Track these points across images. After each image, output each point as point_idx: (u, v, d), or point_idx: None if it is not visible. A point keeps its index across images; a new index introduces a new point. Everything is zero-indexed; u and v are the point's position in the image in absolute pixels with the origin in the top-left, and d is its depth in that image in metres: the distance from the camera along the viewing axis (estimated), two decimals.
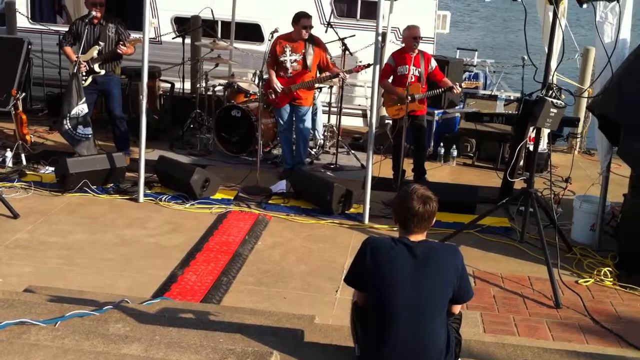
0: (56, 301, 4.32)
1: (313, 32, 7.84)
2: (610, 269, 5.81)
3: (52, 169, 7.40)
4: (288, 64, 7.69)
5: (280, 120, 7.94)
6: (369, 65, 7.52)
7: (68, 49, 7.90)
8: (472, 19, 34.94)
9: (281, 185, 7.47)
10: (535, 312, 5.14)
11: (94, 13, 7.71)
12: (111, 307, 4.14)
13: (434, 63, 7.78)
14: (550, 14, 6.15)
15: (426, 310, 3.26)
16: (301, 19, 7.62)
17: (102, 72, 7.84)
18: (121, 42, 7.69)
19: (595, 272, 5.79)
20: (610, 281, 5.67)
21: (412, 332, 3.24)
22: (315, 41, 7.76)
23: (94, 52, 7.75)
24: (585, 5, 5.69)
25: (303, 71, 7.71)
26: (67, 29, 8.23)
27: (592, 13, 6.00)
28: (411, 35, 7.51)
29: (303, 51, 7.67)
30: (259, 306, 4.88)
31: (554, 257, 5.68)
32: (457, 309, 3.50)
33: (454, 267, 3.32)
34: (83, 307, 4.12)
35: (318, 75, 7.83)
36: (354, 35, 8.80)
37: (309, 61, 7.67)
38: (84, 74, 7.67)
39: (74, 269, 5.40)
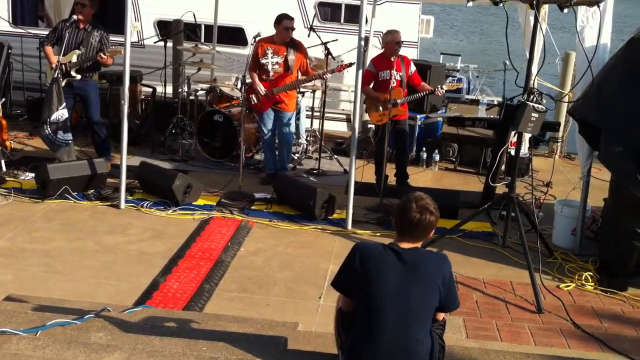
0: (37, 310, 4.28)
1: (296, 36, 7.84)
2: (591, 274, 5.84)
3: (32, 175, 7.32)
4: (270, 67, 7.68)
5: (263, 127, 7.91)
6: (350, 65, 7.54)
7: (49, 49, 7.83)
8: (455, 24, 35.10)
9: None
10: (518, 317, 5.16)
11: (75, 16, 7.66)
12: (92, 315, 4.11)
13: (413, 67, 7.81)
14: (532, 19, 6.20)
15: (412, 317, 3.26)
16: (283, 20, 7.62)
17: (78, 77, 7.77)
18: (102, 51, 7.62)
19: (576, 277, 5.82)
20: (591, 285, 5.70)
21: (397, 338, 3.24)
22: (297, 45, 7.76)
23: (73, 56, 7.69)
24: (566, 10, 5.73)
25: (285, 74, 7.70)
26: (49, 31, 8.17)
27: (573, 17, 6.04)
28: (394, 40, 7.52)
29: (285, 54, 7.66)
30: (242, 313, 4.85)
31: (536, 262, 5.70)
32: (441, 315, 3.51)
33: (442, 276, 3.32)
34: (64, 316, 4.08)
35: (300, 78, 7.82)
36: (337, 40, 8.81)
37: (291, 63, 7.66)
38: (60, 76, 7.60)
39: (54, 277, 5.35)
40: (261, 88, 7.67)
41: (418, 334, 3.28)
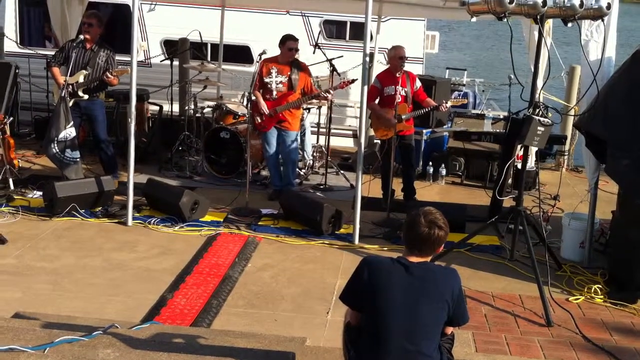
0: (45, 327, 4.29)
1: (302, 53, 7.89)
2: (601, 286, 5.81)
3: (40, 193, 7.35)
4: (273, 85, 7.72)
5: (267, 145, 7.94)
6: (353, 81, 7.60)
7: (56, 70, 7.89)
8: (461, 39, 35.22)
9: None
10: (527, 330, 5.13)
11: (82, 36, 7.73)
12: (100, 332, 4.11)
13: (418, 83, 7.83)
14: (536, 33, 6.22)
15: (420, 331, 3.25)
16: (287, 41, 7.68)
17: (85, 97, 7.83)
18: (109, 71, 7.68)
19: (585, 290, 5.79)
20: (600, 298, 5.67)
21: (405, 353, 3.23)
22: (301, 66, 7.81)
23: (80, 76, 7.75)
24: (570, 24, 5.74)
25: (288, 92, 7.74)
26: (56, 51, 8.24)
27: (577, 31, 6.06)
28: (397, 56, 7.54)
29: (289, 73, 7.70)
30: (250, 329, 4.85)
31: (544, 275, 5.68)
32: (449, 329, 3.49)
33: (451, 291, 3.31)
34: (72, 333, 4.09)
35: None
36: (342, 56, 8.87)
37: (295, 83, 7.71)
38: (67, 96, 7.66)
39: (62, 294, 5.36)
40: (265, 108, 7.70)
41: (427, 348, 3.26)
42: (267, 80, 7.73)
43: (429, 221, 3.33)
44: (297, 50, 7.77)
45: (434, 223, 3.33)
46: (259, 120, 7.79)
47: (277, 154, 8.02)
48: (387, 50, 8.00)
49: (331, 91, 7.74)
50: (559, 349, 4.87)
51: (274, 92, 7.75)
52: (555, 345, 4.92)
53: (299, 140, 8.16)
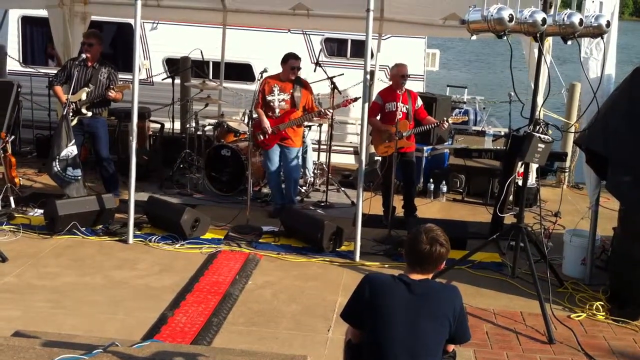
0: (45, 345, 4.27)
1: (303, 70, 7.92)
2: (602, 303, 5.80)
3: (41, 211, 7.35)
4: (276, 103, 7.75)
5: (268, 162, 7.95)
6: (356, 99, 7.64)
7: (58, 89, 7.94)
8: (461, 57, 35.36)
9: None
10: (529, 347, 5.11)
11: (84, 55, 7.77)
12: (101, 350, 4.09)
13: (419, 102, 7.86)
14: (536, 51, 6.24)
15: (421, 349, 3.23)
16: (289, 60, 7.71)
17: (89, 114, 7.86)
18: (111, 88, 7.72)
19: (587, 307, 5.77)
20: (602, 315, 5.66)
21: None
22: (302, 84, 7.85)
23: (83, 94, 7.79)
24: (569, 42, 5.76)
25: (291, 110, 7.77)
26: (58, 70, 8.29)
27: (577, 49, 6.08)
28: (399, 74, 7.58)
29: (291, 91, 7.74)
30: (251, 347, 4.83)
31: (546, 292, 5.67)
32: (451, 347, 3.47)
33: (452, 308, 3.29)
34: (72, 351, 4.07)
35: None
36: (342, 74, 8.90)
37: (297, 100, 7.74)
38: (71, 114, 7.69)
39: (62, 312, 5.35)
40: (268, 126, 7.72)
41: None
42: (269, 98, 7.76)
43: (430, 238, 3.32)
44: (299, 68, 7.81)
45: (436, 240, 3.33)
46: (262, 138, 7.81)
47: (279, 171, 8.03)
48: (388, 68, 8.04)
49: (331, 110, 7.76)
50: None
51: (277, 110, 7.77)
52: None
53: (300, 156, 8.16)
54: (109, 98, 7.78)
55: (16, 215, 7.44)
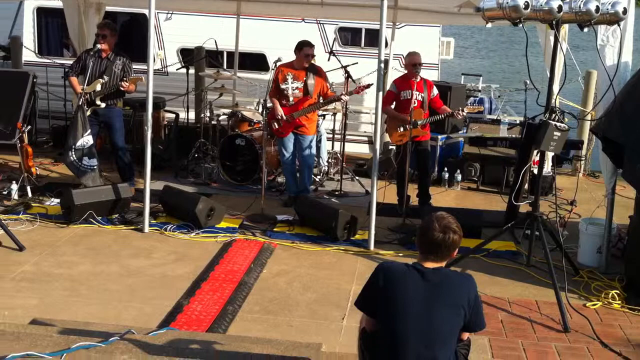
0: (62, 333, 4.32)
1: (317, 60, 7.91)
2: (618, 292, 5.77)
3: (58, 200, 7.41)
4: (290, 91, 7.73)
5: (284, 150, 7.95)
6: (369, 86, 7.61)
7: (74, 80, 7.99)
8: (476, 45, 35.15)
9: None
10: (544, 336, 5.10)
11: (98, 46, 7.80)
12: (117, 338, 4.13)
13: (435, 91, 7.83)
14: (552, 38, 6.20)
15: (436, 337, 3.23)
16: (303, 48, 7.70)
17: (103, 105, 7.89)
18: (124, 79, 7.75)
19: (602, 295, 5.75)
20: (618, 304, 5.63)
21: (421, 358, 3.21)
22: (316, 70, 7.83)
23: (97, 85, 7.83)
24: (586, 29, 5.71)
25: (305, 98, 7.75)
26: (73, 61, 8.34)
27: (594, 36, 6.03)
28: (410, 62, 7.56)
29: (305, 79, 7.72)
30: (266, 335, 4.85)
31: (561, 281, 5.64)
32: (466, 335, 3.47)
33: (467, 297, 3.29)
34: (89, 339, 4.12)
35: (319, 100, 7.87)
36: (357, 63, 8.89)
37: (310, 88, 7.72)
38: (85, 104, 7.73)
39: (79, 301, 5.39)
40: (282, 113, 7.72)
41: (442, 354, 3.24)
42: (283, 86, 7.75)
43: (443, 226, 3.32)
44: (313, 56, 7.79)
45: (448, 227, 3.33)
46: (277, 126, 7.81)
47: (294, 159, 8.03)
48: (402, 57, 8.01)
49: (346, 95, 7.73)
50: (577, 355, 4.83)
51: (291, 98, 7.76)
52: (573, 351, 4.88)
53: (314, 145, 8.16)
54: (122, 89, 7.81)
55: (33, 204, 7.50)
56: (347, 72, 8.29)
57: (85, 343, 4.01)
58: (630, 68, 6.28)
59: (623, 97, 5.88)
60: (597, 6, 5.48)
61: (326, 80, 7.93)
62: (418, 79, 7.53)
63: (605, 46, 6.21)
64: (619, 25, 5.82)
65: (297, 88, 7.75)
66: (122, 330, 4.29)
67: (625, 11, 5.65)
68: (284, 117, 7.70)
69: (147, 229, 6.92)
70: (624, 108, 5.81)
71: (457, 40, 17.87)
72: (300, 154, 7.95)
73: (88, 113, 7.78)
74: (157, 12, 11.22)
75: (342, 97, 7.73)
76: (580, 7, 5.50)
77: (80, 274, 5.90)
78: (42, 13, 12.07)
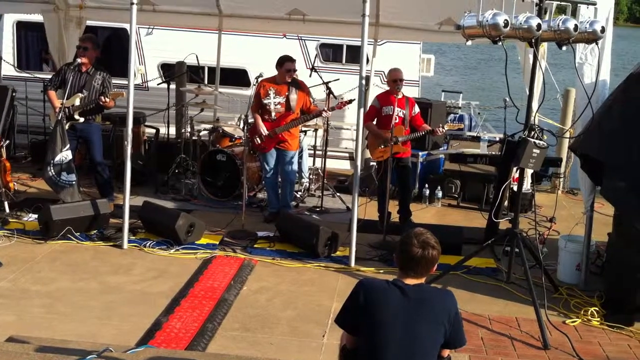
0: (39, 351, 4.26)
1: (299, 75, 7.92)
2: (597, 309, 5.79)
3: (35, 216, 7.34)
4: (272, 107, 7.73)
5: (266, 165, 7.94)
6: (350, 102, 7.65)
7: (52, 93, 7.91)
8: (456, 62, 35.43)
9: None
10: (524, 353, 5.11)
11: (79, 60, 7.76)
12: (95, 356, 4.09)
13: (417, 109, 7.88)
14: (531, 57, 6.26)
15: (417, 354, 3.23)
16: (285, 63, 7.71)
17: (81, 119, 7.83)
18: (104, 94, 7.69)
19: (582, 312, 5.77)
20: (597, 321, 5.66)
21: None
22: (299, 85, 7.84)
23: (76, 99, 7.76)
24: (564, 48, 5.78)
25: (287, 113, 7.75)
26: (53, 74, 8.28)
27: (572, 55, 6.10)
28: (391, 78, 7.62)
29: (287, 93, 7.73)
30: (245, 353, 4.81)
31: (541, 298, 5.66)
32: (446, 352, 3.46)
33: (447, 313, 3.29)
34: (66, 357, 4.07)
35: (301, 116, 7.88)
36: (338, 79, 8.91)
37: (293, 103, 7.72)
38: (63, 118, 7.67)
39: (57, 318, 5.33)
40: (264, 130, 7.71)
41: None
42: (265, 101, 7.74)
43: (421, 242, 3.33)
44: (295, 70, 7.80)
45: (427, 243, 3.33)
46: (259, 142, 7.79)
47: (276, 175, 8.02)
48: (383, 73, 8.06)
49: (328, 110, 7.74)
50: None
51: (273, 113, 7.76)
52: None
53: (296, 160, 8.16)
54: (101, 105, 7.75)
55: (10, 220, 7.41)
56: (328, 88, 8.31)
57: None
58: (609, 86, 6.36)
59: (601, 115, 5.94)
60: (576, 25, 5.55)
61: (309, 95, 7.94)
62: (400, 96, 7.57)
63: (584, 64, 6.29)
64: (597, 43, 5.90)
65: (279, 103, 7.75)
66: (100, 348, 4.24)
67: (603, 30, 5.73)
68: (267, 133, 7.70)
69: (126, 245, 6.86)
70: (602, 126, 5.87)
71: (437, 57, 18.01)
72: (282, 169, 7.95)
73: (66, 127, 7.71)
74: (139, 27, 11.20)
75: (324, 113, 7.74)
76: (559, 25, 5.57)
77: (58, 291, 5.83)
78: (22, 27, 12.02)
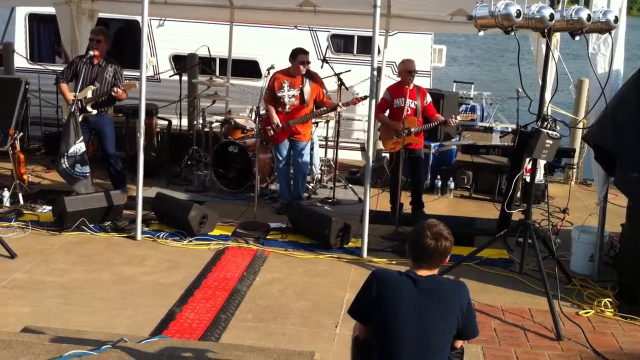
0: (54, 341, 4.28)
1: (310, 67, 7.91)
2: (611, 300, 5.78)
3: (50, 208, 7.38)
4: (286, 99, 7.74)
5: (279, 156, 7.95)
6: (365, 98, 7.61)
7: (64, 86, 7.95)
8: (468, 53, 35.26)
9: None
10: (537, 344, 5.10)
11: (91, 52, 7.79)
12: (109, 346, 4.11)
13: (429, 98, 7.85)
14: (543, 47, 6.22)
15: (429, 345, 3.23)
16: (298, 55, 7.70)
17: (94, 112, 7.87)
18: (117, 85, 7.72)
19: (595, 303, 5.76)
20: (610, 312, 5.64)
21: None
22: (312, 76, 7.84)
23: (88, 91, 7.80)
24: (577, 38, 5.74)
25: (300, 106, 7.76)
26: (65, 67, 8.31)
27: (585, 45, 6.06)
28: (406, 69, 7.58)
29: (301, 86, 7.73)
30: (258, 343, 4.83)
31: (554, 289, 5.65)
32: (459, 343, 3.47)
33: (459, 304, 3.29)
34: (81, 347, 4.09)
35: (315, 109, 7.88)
36: (350, 71, 8.89)
37: (307, 96, 7.73)
38: (76, 110, 7.70)
39: (71, 309, 5.37)
40: (278, 121, 7.71)
41: None
42: (279, 94, 7.75)
43: (434, 233, 3.33)
44: (308, 62, 7.80)
45: (440, 234, 3.33)
46: (272, 133, 7.80)
47: (289, 166, 8.04)
48: (395, 64, 8.03)
49: (343, 105, 7.72)
50: None
51: (287, 106, 7.76)
52: (565, 359, 4.89)
53: (308, 151, 8.16)
54: (113, 96, 7.78)
55: (25, 211, 7.47)
56: (340, 79, 8.30)
57: (77, 351, 3.98)
58: (622, 76, 6.31)
59: (614, 106, 5.91)
60: (589, 14, 5.51)
61: (322, 86, 7.95)
62: (411, 87, 7.55)
63: (597, 54, 6.24)
64: (610, 33, 5.85)
65: (293, 96, 7.75)
66: (115, 339, 4.26)
67: (616, 19, 5.68)
68: (280, 125, 7.70)
69: (139, 236, 6.90)
70: (616, 116, 5.83)
71: (449, 47, 17.91)
72: (294, 160, 7.96)
73: (79, 120, 7.75)
74: (150, 19, 11.22)
75: (338, 107, 7.73)
76: (571, 15, 5.53)
77: (73, 282, 5.87)
78: (34, 19, 12.05)
